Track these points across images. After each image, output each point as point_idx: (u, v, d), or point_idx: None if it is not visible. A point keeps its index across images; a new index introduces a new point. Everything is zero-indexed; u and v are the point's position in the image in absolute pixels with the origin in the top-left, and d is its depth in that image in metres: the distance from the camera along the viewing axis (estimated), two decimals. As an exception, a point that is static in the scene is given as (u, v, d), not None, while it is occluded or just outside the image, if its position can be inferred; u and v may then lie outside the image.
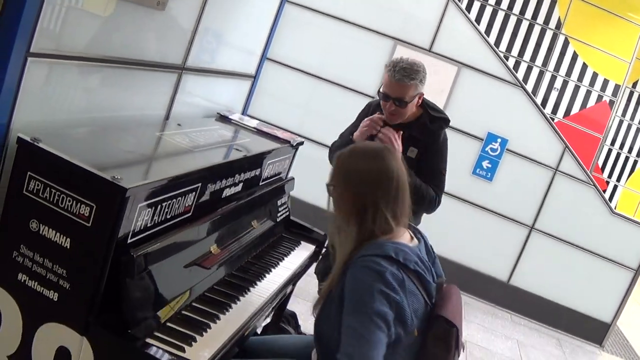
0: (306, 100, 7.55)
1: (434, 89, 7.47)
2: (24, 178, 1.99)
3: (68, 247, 1.97)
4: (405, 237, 2.35)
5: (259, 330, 3.09)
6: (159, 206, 2.17)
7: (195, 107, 3.29)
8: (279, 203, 3.60)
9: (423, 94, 3.59)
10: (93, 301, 1.99)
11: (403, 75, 3.42)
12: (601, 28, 11.02)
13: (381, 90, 3.54)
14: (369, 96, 7.48)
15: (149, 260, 2.13)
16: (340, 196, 2.30)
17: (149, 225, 2.14)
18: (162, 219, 2.22)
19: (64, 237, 1.97)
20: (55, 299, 2.02)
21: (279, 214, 3.61)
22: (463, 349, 2.37)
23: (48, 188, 1.96)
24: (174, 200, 2.26)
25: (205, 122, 3.38)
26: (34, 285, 2.04)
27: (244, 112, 4.02)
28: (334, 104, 7.51)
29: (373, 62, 7.40)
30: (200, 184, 2.45)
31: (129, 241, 2.04)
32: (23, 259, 2.04)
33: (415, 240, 2.42)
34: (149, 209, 2.10)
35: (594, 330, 7.56)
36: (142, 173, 2.30)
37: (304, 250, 3.66)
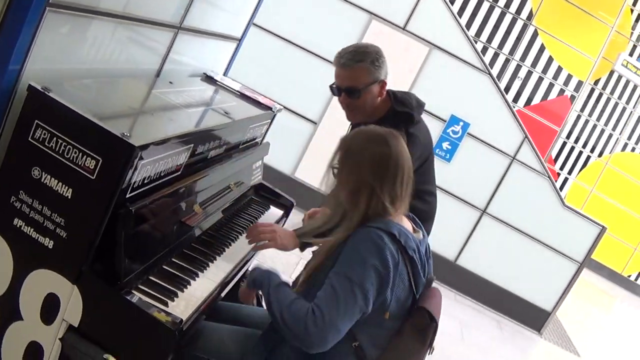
0: (278, 65, 7.56)
1: (403, 67, 7.55)
2: (30, 126, 2.02)
3: (69, 197, 2.01)
4: (406, 224, 2.43)
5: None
6: (157, 164, 2.22)
7: (184, 65, 3.32)
8: (253, 167, 3.67)
9: (385, 82, 3.14)
10: (88, 251, 2.04)
11: (349, 58, 3.04)
12: (571, 23, 11.23)
13: (332, 85, 3.16)
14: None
15: (144, 215, 2.19)
16: (343, 178, 2.37)
17: (145, 181, 2.19)
18: (157, 176, 2.28)
19: (66, 187, 2.01)
20: (51, 247, 2.07)
21: (252, 177, 3.67)
22: (432, 352, 2.45)
23: (55, 138, 2.00)
24: (170, 159, 2.32)
25: (192, 81, 3.41)
26: (29, 231, 2.08)
27: (225, 74, 4.05)
28: (305, 71, 7.56)
29: (347, 34, 7.43)
30: (192, 145, 2.50)
31: (127, 195, 2.09)
32: (21, 205, 2.07)
33: (419, 233, 2.50)
34: (149, 166, 2.15)
35: (534, 317, 7.79)
36: (146, 130, 2.34)
37: (272, 215, 3.72)
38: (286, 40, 7.55)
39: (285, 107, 6.90)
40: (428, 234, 2.88)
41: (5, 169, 2.09)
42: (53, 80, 2.11)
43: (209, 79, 3.60)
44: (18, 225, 2.09)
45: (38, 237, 2.07)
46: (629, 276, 13.49)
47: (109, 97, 2.50)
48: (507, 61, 11.33)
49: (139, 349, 2.10)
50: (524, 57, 11.40)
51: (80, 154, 1.98)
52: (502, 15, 11.20)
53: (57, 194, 2.02)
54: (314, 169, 7.64)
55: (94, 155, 1.97)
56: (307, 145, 7.72)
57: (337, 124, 4.13)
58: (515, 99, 11.40)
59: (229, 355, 2.43)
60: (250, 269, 2.51)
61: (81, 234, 2.04)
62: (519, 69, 11.46)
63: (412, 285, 2.34)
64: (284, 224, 3.84)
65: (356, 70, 3.03)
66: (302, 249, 2.90)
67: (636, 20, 12.05)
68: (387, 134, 2.38)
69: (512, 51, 11.33)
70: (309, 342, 2.19)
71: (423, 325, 2.34)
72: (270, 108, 3.69)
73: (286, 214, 3.88)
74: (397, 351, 2.34)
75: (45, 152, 2.02)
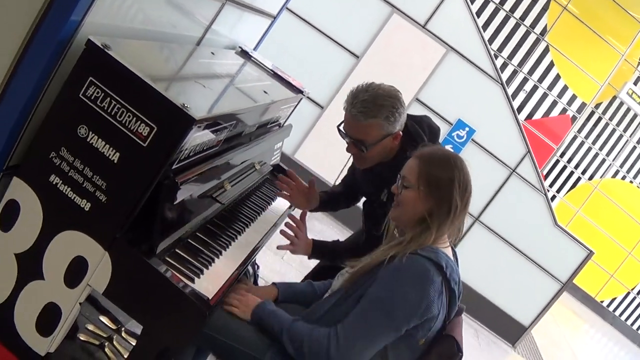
0: (290, 44, 7.46)
1: (418, 64, 7.52)
2: (84, 82, 1.92)
3: (115, 161, 1.93)
4: (449, 250, 2.39)
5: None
6: (205, 137, 2.15)
7: (221, 37, 3.23)
8: (275, 147, 3.60)
9: (399, 134, 2.81)
10: (126, 219, 1.97)
11: (361, 111, 2.69)
12: (583, 45, 11.21)
13: (340, 126, 2.84)
14: (354, 54, 7.47)
15: (188, 187, 2.12)
16: (421, 199, 2.32)
17: (191, 154, 2.12)
18: (201, 149, 2.21)
19: (114, 151, 1.93)
20: (87, 209, 1.98)
21: (272, 158, 3.61)
22: None
23: (108, 98, 1.91)
24: (215, 133, 2.25)
25: (228, 54, 3.33)
26: (65, 190, 1.99)
27: (254, 50, 3.97)
28: (317, 54, 7.53)
29: (366, 24, 7.41)
30: (235, 121, 2.43)
31: (173, 167, 2.02)
32: (60, 162, 1.98)
33: (454, 257, 2.46)
34: (198, 140, 2.08)
35: (510, 330, 7.83)
36: (202, 103, 2.26)
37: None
38: (302, 19, 7.47)
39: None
40: None
41: (49, 123, 2.00)
42: (109, 36, 2.03)
43: (243, 54, 3.52)
44: (54, 182, 2.00)
45: (75, 198, 1.99)
46: (602, 302, 13.56)
47: (163, 61, 2.41)
48: (514, 72, 11.29)
49: (164, 323, 2.04)
50: (532, 71, 11.37)
51: (135, 119, 1.90)
52: (516, 27, 11.14)
53: (103, 156, 1.94)
54: (315, 153, 7.60)
55: (150, 123, 1.89)
56: (311, 129, 7.66)
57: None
58: (518, 111, 11.36)
59: (249, 341, 2.35)
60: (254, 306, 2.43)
61: (122, 200, 1.96)
62: (525, 82, 11.43)
63: (446, 316, 2.32)
64: (294, 208, 3.79)
65: (367, 126, 2.72)
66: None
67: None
68: (460, 157, 2.39)
69: (522, 63, 11.29)
70: None
71: (450, 355, 2.32)
72: (301, 91, 3.61)
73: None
74: None
75: (96, 111, 1.93)
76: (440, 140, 7.22)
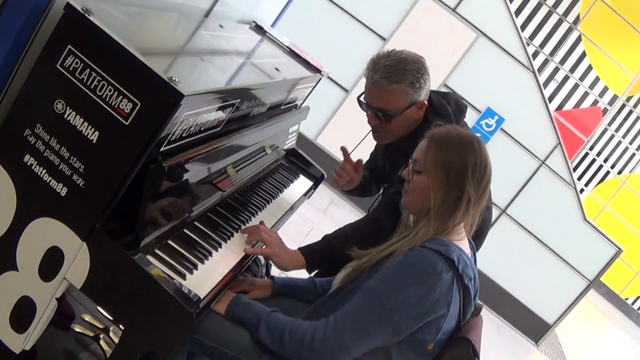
0: (316, 24, 7.25)
1: (447, 49, 7.28)
2: (61, 51, 1.69)
3: (94, 141, 1.70)
4: (465, 244, 2.13)
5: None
6: (200, 117, 1.90)
7: (234, 10, 2.99)
8: (290, 130, 3.36)
9: (425, 103, 2.61)
10: (107, 206, 1.74)
11: (383, 76, 2.49)
12: (617, 36, 10.85)
13: (360, 97, 2.66)
14: (381, 37, 7.21)
15: (177, 173, 1.89)
16: (431, 184, 2.06)
17: (184, 135, 1.88)
18: (197, 130, 1.96)
19: (92, 130, 1.70)
20: (63, 194, 1.76)
21: (287, 142, 3.37)
22: None
23: (88, 70, 1.67)
24: (213, 112, 2.01)
25: (241, 28, 3.08)
26: (41, 172, 1.77)
27: (272, 26, 3.73)
28: (343, 35, 7.30)
29: (394, 5, 7.16)
30: (239, 100, 2.19)
31: (161, 149, 1.78)
32: (36, 140, 1.76)
33: (471, 251, 2.21)
34: (191, 119, 1.83)
35: (533, 327, 7.57)
36: (195, 77, 2.01)
37: (301, 186, 3.43)
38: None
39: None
40: (479, 249, 2.58)
41: (24, 97, 1.77)
42: (95, 0, 1.80)
43: (258, 29, 3.27)
44: (29, 163, 1.78)
45: (50, 181, 1.76)
46: (627, 299, 13.22)
47: (156, 32, 2.16)
48: (546, 61, 10.97)
49: (147, 325, 1.80)
50: (563, 61, 11.05)
51: (116, 93, 1.66)
52: (548, 14, 10.81)
53: (81, 135, 1.70)
54: (337, 137, 7.33)
55: (132, 98, 1.65)
56: (335, 113, 7.43)
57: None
58: (548, 101, 11.04)
59: (242, 347, 2.11)
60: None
61: (102, 185, 1.72)
62: (557, 72, 11.11)
63: (460, 315, 2.05)
64: (310, 196, 3.55)
65: (390, 93, 2.52)
66: (311, 271, 2.59)
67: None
68: (480, 140, 2.10)
69: (553, 52, 10.96)
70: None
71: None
72: (319, 71, 3.35)
73: (315, 186, 3.58)
74: None
75: (74, 84, 1.69)
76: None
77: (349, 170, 2.90)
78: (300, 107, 3.49)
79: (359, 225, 2.66)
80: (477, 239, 2.50)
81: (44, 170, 1.77)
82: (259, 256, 3.08)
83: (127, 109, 1.66)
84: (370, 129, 2.74)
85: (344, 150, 2.95)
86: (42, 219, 1.80)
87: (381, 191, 3.14)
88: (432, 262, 1.94)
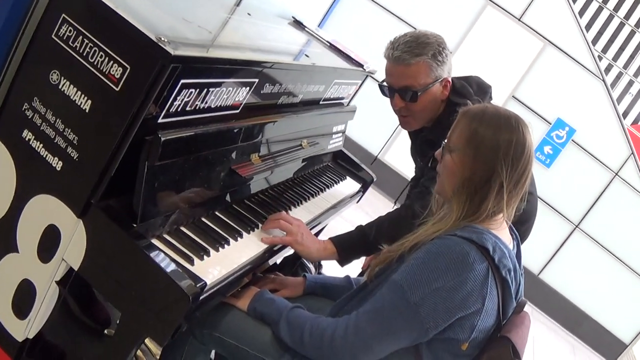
0: (371, 33, 7.07)
1: (513, 60, 7.10)
2: (56, 20, 1.63)
3: (87, 110, 1.62)
4: (505, 234, 1.95)
5: (278, 261, 2.73)
6: (206, 90, 1.79)
7: (272, 5, 2.89)
8: (334, 130, 3.22)
9: (448, 81, 2.53)
10: (100, 180, 1.64)
11: (404, 50, 2.41)
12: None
13: (382, 82, 2.56)
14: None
15: (178, 148, 1.77)
16: (459, 162, 1.89)
17: (188, 109, 1.77)
18: (206, 106, 1.85)
19: (85, 98, 1.62)
20: (59, 168, 1.68)
21: (331, 142, 3.22)
22: None
23: (80, 37, 1.60)
24: (224, 89, 1.89)
25: (277, 21, 2.98)
26: (38, 147, 1.70)
27: (319, 26, 3.62)
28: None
29: (458, 17, 7.08)
30: (257, 80, 2.07)
31: (159, 121, 1.68)
32: (33, 114, 1.69)
33: (513, 242, 2.02)
34: (192, 90, 1.72)
35: (609, 346, 7.26)
36: (194, 45, 1.91)
37: (347, 187, 3.27)
38: (394, 14, 7.13)
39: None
40: (524, 239, 2.38)
41: (23, 70, 1.71)
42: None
43: (297, 24, 3.15)
44: (27, 139, 1.71)
45: (46, 155, 1.69)
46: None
47: (167, 7, 2.08)
48: (620, 74, 10.61)
49: (143, 309, 1.68)
50: (638, 74, 10.66)
51: (106, 58, 1.57)
52: (620, 26, 10.47)
53: (74, 104, 1.63)
54: (405, 155, 7.12)
55: (121, 62, 1.56)
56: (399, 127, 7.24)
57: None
58: (623, 116, 10.68)
59: (263, 345, 1.98)
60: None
61: (94, 157, 1.64)
62: (631, 85, 10.74)
63: (500, 311, 1.86)
64: (359, 200, 3.40)
65: (413, 67, 2.43)
66: (343, 262, 2.44)
67: None
68: (520, 119, 1.91)
69: (627, 65, 10.60)
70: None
71: None
72: (361, 65, 3.18)
73: (363, 189, 3.42)
74: None
75: (67, 52, 1.62)
76: (538, 139, 6.80)
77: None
78: (346, 106, 3.35)
79: (393, 214, 2.51)
80: (521, 226, 2.32)
81: (41, 145, 1.70)
82: (304, 260, 2.97)
83: (117, 74, 1.57)
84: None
85: None
86: (40, 196, 1.73)
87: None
88: (463, 251, 1.77)
